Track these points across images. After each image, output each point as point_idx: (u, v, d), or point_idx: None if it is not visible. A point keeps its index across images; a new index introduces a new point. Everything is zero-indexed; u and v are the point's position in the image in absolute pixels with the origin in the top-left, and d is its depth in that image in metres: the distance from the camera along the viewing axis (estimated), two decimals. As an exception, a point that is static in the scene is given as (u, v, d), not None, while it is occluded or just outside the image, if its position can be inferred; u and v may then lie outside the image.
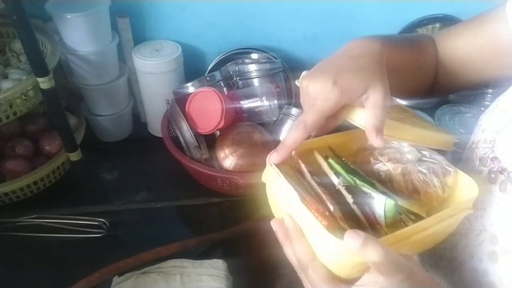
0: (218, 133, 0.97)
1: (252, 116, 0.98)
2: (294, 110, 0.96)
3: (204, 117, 0.91)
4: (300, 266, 0.42)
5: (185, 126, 0.91)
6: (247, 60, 1.08)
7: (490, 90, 1.12)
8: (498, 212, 0.47)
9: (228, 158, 0.91)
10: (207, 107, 0.90)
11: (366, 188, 0.47)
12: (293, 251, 0.43)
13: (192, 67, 1.10)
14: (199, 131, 0.92)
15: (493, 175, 0.48)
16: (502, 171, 0.48)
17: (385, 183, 0.52)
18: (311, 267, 0.41)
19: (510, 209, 0.46)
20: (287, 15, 1.09)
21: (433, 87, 0.68)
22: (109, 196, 0.97)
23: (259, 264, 0.70)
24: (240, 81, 1.02)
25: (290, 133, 0.49)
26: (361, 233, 0.37)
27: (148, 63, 1.00)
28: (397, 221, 0.46)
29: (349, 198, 0.46)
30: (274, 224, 0.47)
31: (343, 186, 0.47)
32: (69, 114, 0.98)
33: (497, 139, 0.49)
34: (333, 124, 0.51)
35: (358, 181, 0.48)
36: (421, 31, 1.15)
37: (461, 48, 0.64)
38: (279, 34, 1.12)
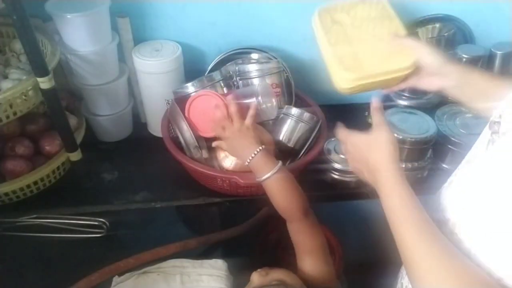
0: (218, 133, 0.97)
1: (252, 116, 0.97)
2: (294, 110, 0.96)
3: (206, 121, 0.91)
4: None
5: (185, 126, 0.91)
6: (247, 60, 1.08)
7: (490, 90, 1.12)
8: (485, 164, 0.52)
9: (228, 158, 0.91)
10: (209, 110, 0.89)
11: None
12: None
13: (192, 67, 1.10)
14: (201, 134, 0.92)
15: (492, 137, 0.52)
16: (495, 133, 0.51)
17: None
18: None
19: (493, 159, 0.50)
20: (287, 15, 1.08)
21: None
22: (109, 196, 0.97)
23: (259, 264, 0.71)
24: (240, 81, 1.02)
25: None
26: None
27: (148, 63, 1.00)
28: None
29: None
30: None
31: None
32: (69, 114, 0.98)
33: (506, 110, 0.52)
34: None
35: None
36: (421, 31, 1.15)
37: None
38: (279, 34, 1.12)
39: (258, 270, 0.67)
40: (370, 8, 0.80)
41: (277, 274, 0.66)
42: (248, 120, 0.80)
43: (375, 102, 0.65)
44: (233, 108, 0.81)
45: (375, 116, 0.63)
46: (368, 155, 0.60)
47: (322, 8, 0.80)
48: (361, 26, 0.78)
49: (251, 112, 0.81)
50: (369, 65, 0.73)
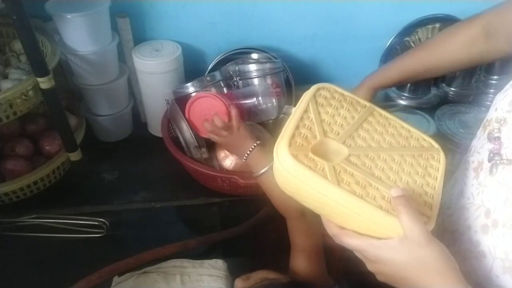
0: (218, 133, 0.97)
1: (251, 116, 0.97)
2: (294, 110, 0.96)
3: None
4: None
5: (185, 126, 0.91)
6: (247, 60, 1.08)
7: (492, 90, 1.12)
8: (494, 188, 0.49)
9: (228, 158, 0.91)
10: (210, 112, 0.89)
11: None
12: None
13: (192, 67, 1.10)
14: (201, 135, 0.92)
15: (491, 155, 0.50)
16: (497, 154, 0.49)
17: None
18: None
19: (504, 186, 0.48)
20: (287, 15, 1.09)
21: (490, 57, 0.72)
22: (109, 196, 0.97)
23: (259, 264, 0.70)
24: (240, 81, 1.02)
25: None
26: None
27: (148, 63, 1.00)
28: None
29: None
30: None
31: None
32: (69, 114, 0.98)
33: (507, 119, 0.50)
34: None
35: None
36: (421, 31, 1.15)
37: None
38: (279, 34, 1.12)
39: (240, 276, 0.68)
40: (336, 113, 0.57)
41: (259, 275, 0.67)
42: (234, 122, 0.80)
43: (395, 192, 0.46)
44: (216, 119, 0.81)
45: (403, 216, 0.44)
46: (416, 278, 0.45)
47: (286, 146, 0.50)
48: (357, 144, 0.53)
49: (233, 112, 0.81)
50: (425, 189, 0.50)
